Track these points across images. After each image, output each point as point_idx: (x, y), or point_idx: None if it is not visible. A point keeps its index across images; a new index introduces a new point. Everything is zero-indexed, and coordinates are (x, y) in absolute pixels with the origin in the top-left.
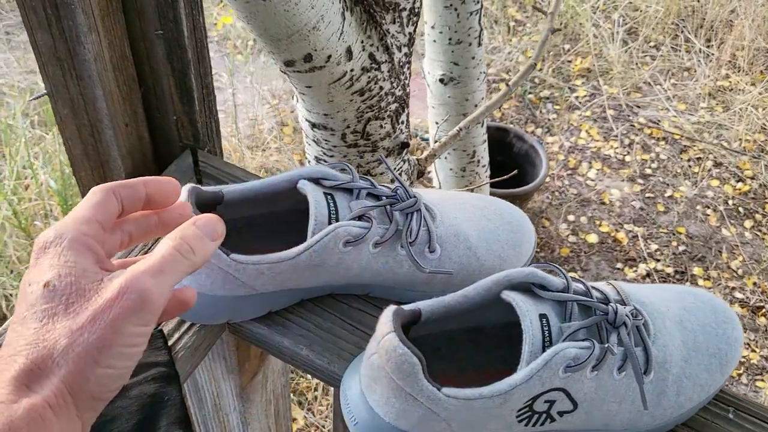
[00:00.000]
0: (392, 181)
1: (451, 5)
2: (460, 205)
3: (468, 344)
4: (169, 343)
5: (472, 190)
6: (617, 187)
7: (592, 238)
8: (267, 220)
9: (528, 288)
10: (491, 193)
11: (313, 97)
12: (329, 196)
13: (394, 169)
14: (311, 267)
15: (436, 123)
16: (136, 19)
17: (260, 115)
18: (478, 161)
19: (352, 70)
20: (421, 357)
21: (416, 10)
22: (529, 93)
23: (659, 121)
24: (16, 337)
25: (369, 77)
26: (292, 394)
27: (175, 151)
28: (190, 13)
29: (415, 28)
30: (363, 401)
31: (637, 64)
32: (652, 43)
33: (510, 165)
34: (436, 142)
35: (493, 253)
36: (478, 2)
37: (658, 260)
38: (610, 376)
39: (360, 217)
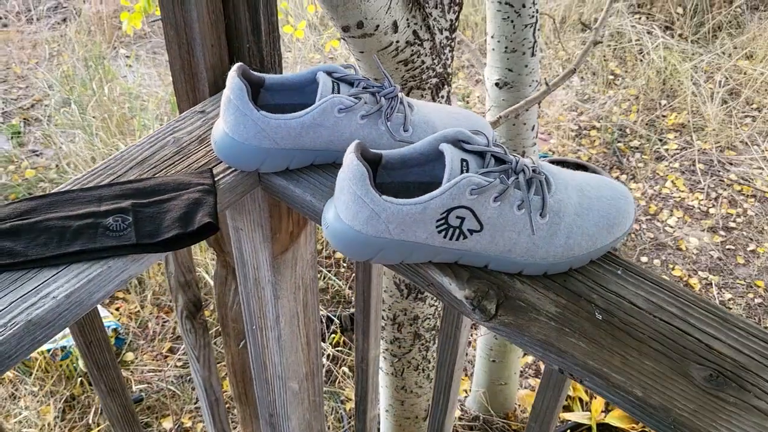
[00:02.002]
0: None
1: (508, 17)
2: (437, 108)
3: (420, 193)
4: (216, 178)
5: None
6: (696, 236)
7: None
8: (295, 109)
9: (461, 145)
10: None
11: (366, 62)
12: (336, 84)
13: None
14: (315, 126)
15: (490, 123)
16: None
17: None
18: None
19: (397, 42)
20: (368, 169)
21: (457, 0)
22: (619, 141)
23: (752, 179)
24: None
25: (412, 50)
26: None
27: None
28: None
29: (457, 16)
30: (333, 211)
31: (735, 123)
32: (754, 105)
33: None
34: None
35: None
36: (533, 17)
37: (731, 308)
38: (510, 210)
39: (354, 97)
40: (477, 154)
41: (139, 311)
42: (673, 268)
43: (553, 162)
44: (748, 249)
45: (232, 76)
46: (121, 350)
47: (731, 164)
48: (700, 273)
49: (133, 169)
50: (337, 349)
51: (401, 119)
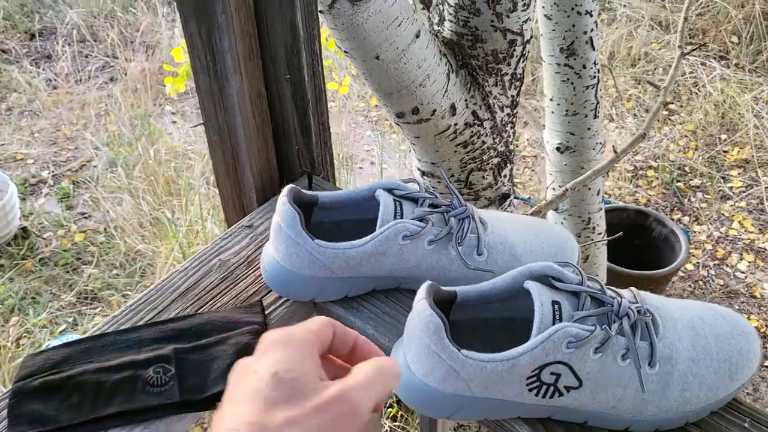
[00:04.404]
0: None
1: (568, 79)
2: (513, 221)
3: (502, 331)
4: (266, 312)
5: (587, 257)
6: None
7: None
8: (352, 225)
9: (549, 281)
10: (618, 272)
11: (422, 147)
12: (398, 202)
13: None
14: (376, 255)
15: (553, 189)
16: (270, 64)
17: None
18: (593, 228)
19: (456, 124)
20: (444, 320)
21: (518, 75)
22: (678, 181)
23: None
24: (233, 414)
25: (472, 132)
26: None
27: (295, 176)
28: (311, 62)
29: (518, 91)
30: (403, 359)
31: None
32: None
33: (649, 249)
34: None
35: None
36: (594, 77)
37: None
38: (614, 361)
39: (421, 220)
40: (569, 293)
41: None
42: (748, 317)
43: (612, 210)
44: None
45: (283, 201)
46: None
47: None
48: None
49: (176, 301)
50: None
51: (474, 241)
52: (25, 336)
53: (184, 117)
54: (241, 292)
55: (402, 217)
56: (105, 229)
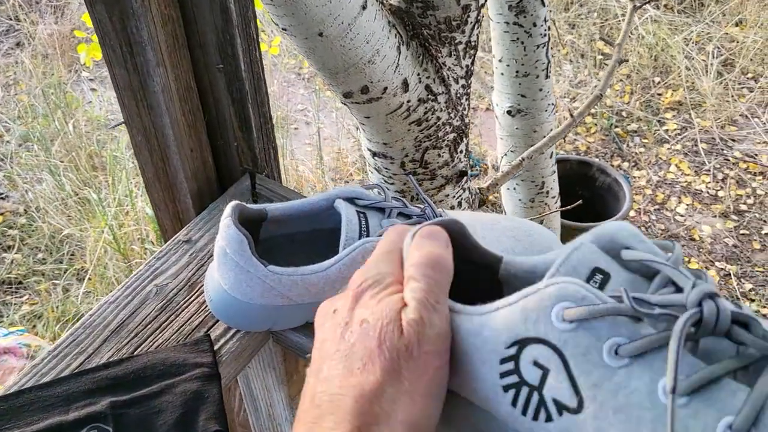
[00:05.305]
0: (412, 200)
1: (517, 38)
2: (491, 225)
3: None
4: (215, 347)
5: (541, 221)
6: (709, 223)
7: None
8: (308, 237)
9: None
10: (570, 227)
11: (372, 126)
12: (362, 215)
13: (454, 197)
14: (341, 279)
15: (505, 155)
16: (200, 54)
17: (345, 148)
18: (547, 192)
19: (408, 101)
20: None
21: (473, 44)
22: (616, 126)
23: (756, 155)
24: None
25: (426, 108)
26: None
27: (236, 175)
28: (247, 48)
29: (473, 60)
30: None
31: (732, 96)
32: (749, 75)
33: (593, 199)
34: (497, 170)
35: None
36: (545, 35)
37: (753, 300)
38: (651, 383)
39: None
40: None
41: None
42: (689, 261)
43: (556, 161)
44: (763, 232)
45: (227, 224)
46: None
47: (734, 141)
48: (717, 264)
49: (108, 341)
50: None
51: None
52: None
53: (104, 84)
54: (184, 324)
55: (368, 232)
56: (25, 210)
